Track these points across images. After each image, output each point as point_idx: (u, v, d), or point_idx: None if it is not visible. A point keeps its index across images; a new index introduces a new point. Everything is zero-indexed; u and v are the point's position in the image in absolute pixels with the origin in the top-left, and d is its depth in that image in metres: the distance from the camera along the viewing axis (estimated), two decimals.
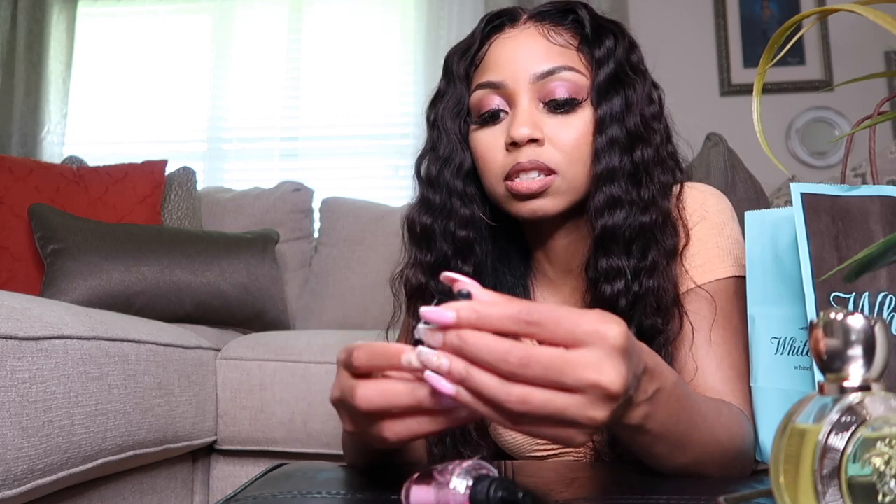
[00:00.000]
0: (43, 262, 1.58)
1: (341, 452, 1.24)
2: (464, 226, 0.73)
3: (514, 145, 0.68)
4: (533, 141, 0.67)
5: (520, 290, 0.77)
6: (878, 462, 0.32)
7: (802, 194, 0.57)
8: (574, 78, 0.69)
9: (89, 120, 2.58)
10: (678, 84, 2.47)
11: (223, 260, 1.67)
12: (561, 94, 0.68)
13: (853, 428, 0.32)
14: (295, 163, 2.50)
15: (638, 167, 0.69)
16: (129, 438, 0.98)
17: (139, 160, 1.94)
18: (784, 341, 0.61)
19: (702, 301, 0.69)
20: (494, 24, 0.74)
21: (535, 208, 0.68)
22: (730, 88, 2.38)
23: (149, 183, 1.87)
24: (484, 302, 0.40)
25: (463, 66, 0.74)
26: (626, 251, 0.68)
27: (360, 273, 1.83)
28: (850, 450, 0.32)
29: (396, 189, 2.37)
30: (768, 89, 2.34)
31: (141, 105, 2.57)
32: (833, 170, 2.28)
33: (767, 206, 1.58)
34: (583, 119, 0.69)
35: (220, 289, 1.64)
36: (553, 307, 0.39)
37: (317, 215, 2.08)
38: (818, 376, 0.57)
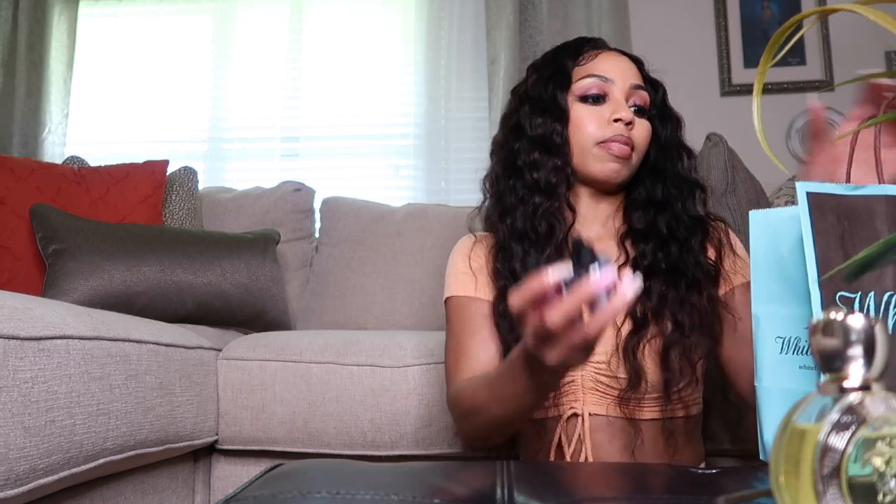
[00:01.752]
0: (44, 262, 1.58)
1: (342, 452, 1.24)
2: (552, 173, 0.97)
3: (617, 121, 0.94)
4: (629, 125, 0.95)
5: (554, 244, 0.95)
6: (878, 462, 0.32)
7: (808, 193, 0.57)
8: (648, 98, 1.00)
9: (90, 120, 2.58)
10: (678, 84, 2.47)
11: (224, 260, 1.67)
12: (642, 102, 0.99)
13: (853, 428, 0.32)
14: (296, 163, 2.50)
15: (682, 174, 1.01)
16: (130, 438, 0.98)
17: (140, 160, 1.94)
18: (789, 341, 0.62)
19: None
20: (593, 44, 1.03)
21: (615, 169, 0.95)
22: (730, 88, 2.38)
23: (150, 183, 1.87)
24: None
25: (569, 61, 1.00)
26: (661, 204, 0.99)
27: (360, 273, 1.83)
28: (850, 450, 0.32)
29: (397, 189, 2.37)
30: (768, 89, 2.34)
31: (142, 105, 2.56)
32: None
33: (768, 205, 1.58)
34: (648, 126, 0.99)
35: (221, 289, 1.64)
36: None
37: (317, 215, 2.08)
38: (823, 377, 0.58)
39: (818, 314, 0.54)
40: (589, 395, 0.89)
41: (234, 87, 2.54)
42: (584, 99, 0.97)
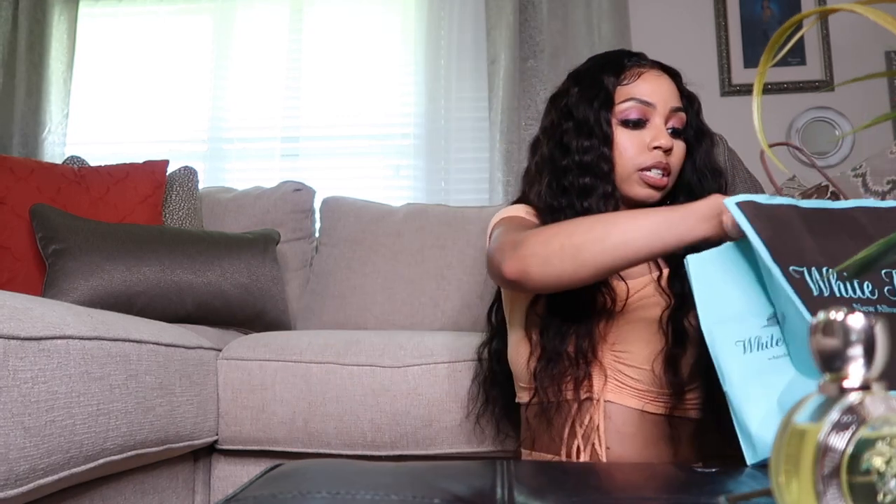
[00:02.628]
0: (44, 262, 1.58)
1: (342, 452, 1.24)
2: (602, 161, 0.99)
3: (656, 148, 0.96)
4: (667, 151, 0.97)
5: None
6: (878, 462, 0.32)
7: (737, 203, 0.69)
8: (685, 119, 1.01)
9: (90, 120, 2.58)
10: None
11: (224, 260, 1.67)
12: (679, 125, 1.00)
13: (853, 428, 0.32)
14: (296, 163, 2.50)
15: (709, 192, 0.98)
16: (130, 438, 0.98)
17: (140, 160, 1.94)
18: (749, 341, 0.68)
19: None
20: (635, 60, 1.03)
21: (652, 194, 0.98)
22: (730, 88, 2.38)
23: (150, 183, 1.87)
24: None
25: (609, 77, 1.00)
26: None
27: (360, 273, 1.83)
28: (850, 450, 0.32)
29: (397, 189, 2.37)
30: (769, 89, 2.34)
31: (142, 105, 2.56)
32: (833, 170, 2.28)
33: None
34: (683, 147, 1.01)
35: (221, 289, 1.64)
36: None
37: (317, 215, 2.08)
38: (795, 357, 0.66)
39: (789, 290, 0.62)
40: (610, 383, 0.92)
41: (234, 87, 2.54)
42: (626, 123, 0.98)
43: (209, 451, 1.33)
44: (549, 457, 0.96)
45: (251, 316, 1.69)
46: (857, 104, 2.29)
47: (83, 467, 0.88)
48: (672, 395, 0.90)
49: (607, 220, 0.83)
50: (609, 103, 0.99)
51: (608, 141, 0.97)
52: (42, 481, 0.80)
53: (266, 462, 1.28)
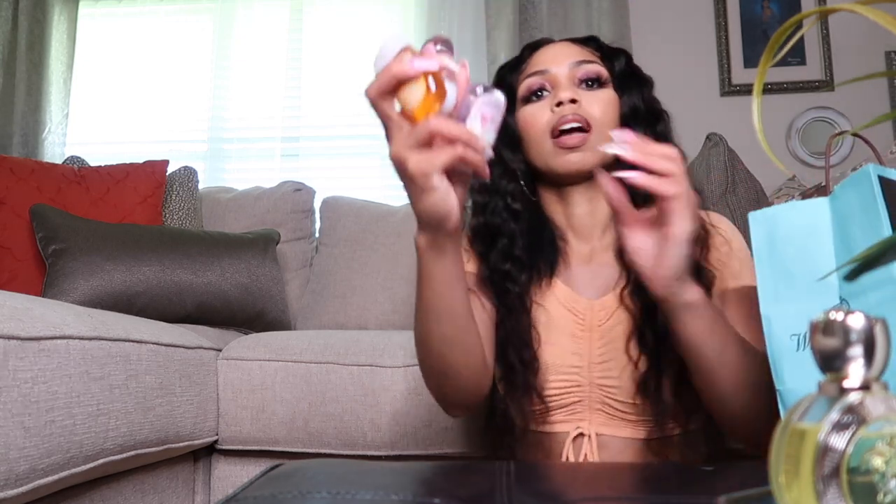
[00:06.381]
0: (44, 262, 1.58)
1: (342, 452, 1.24)
2: (513, 179, 0.92)
3: (559, 105, 0.87)
4: (573, 102, 0.87)
5: (547, 271, 0.91)
6: (878, 462, 0.32)
7: (880, 177, 0.57)
8: (599, 68, 0.91)
9: (90, 120, 2.58)
10: (678, 84, 2.47)
11: (224, 260, 1.67)
12: (591, 74, 0.90)
13: (853, 428, 0.32)
14: (296, 163, 2.50)
15: (659, 137, 0.87)
16: (130, 438, 0.98)
17: (140, 160, 1.95)
18: (804, 336, 0.61)
19: (743, 300, 0.84)
20: (534, 46, 0.96)
21: (577, 160, 0.87)
22: (730, 88, 2.38)
23: (150, 183, 1.87)
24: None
25: (514, 75, 0.94)
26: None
27: (360, 273, 1.83)
28: (850, 450, 0.32)
29: (397, 189, 2.36)
30: (769, 89, 2.34)
31: (142, 105, 2.57)
32: (833, 170, 2.28)
33: (768, 205, 1.58)
34: (608, 94, 0.90)
35: (221, 289, 1.64)
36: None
37: (317, 215, 2.08)
38: None
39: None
40: (596, 416, 0.86)
41: (234, 87, 2.54)
42: (528, 100, 0.91)
43: (209, 451, 1.33)
44: None
45: (251, 316, 1.69)
46: (857, 104, 2.29)
47: (83, 467, 0.88)
48: (660, 420, 0.84)
49: (422, 317, 0.75)
50: (512, 98, 0.92)
51: (515, 141, 0.92)
52: (42, 481, 0.80)
53: (266, 462, 1.28)
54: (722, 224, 0.92)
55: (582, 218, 0.92)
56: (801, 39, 2.35)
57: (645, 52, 2.31)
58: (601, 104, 0.89)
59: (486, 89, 0.60)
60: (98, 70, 2.61)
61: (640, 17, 2.40)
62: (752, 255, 0.75)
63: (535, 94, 0.91)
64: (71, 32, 2.58)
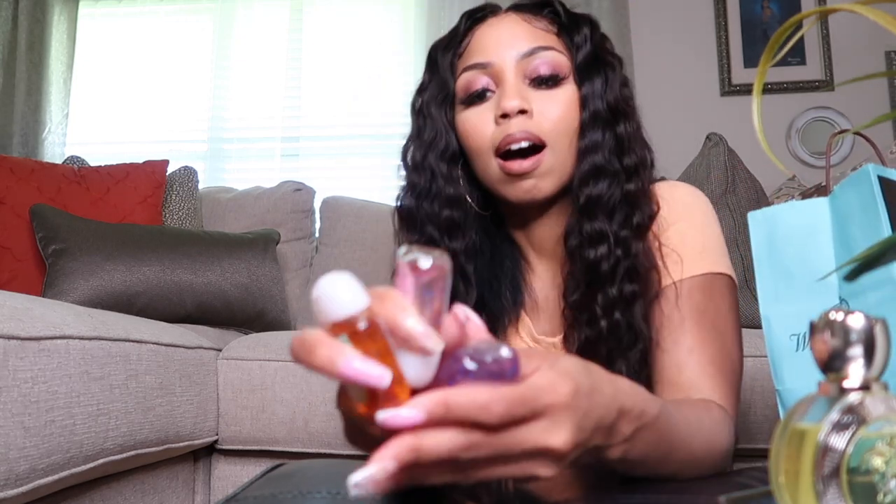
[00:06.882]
0: (44, 262, 1.58)
1: (342, 452, 1.24)
2: (448, 206, 0.75)
3: (504, 117, 0.70)
4: (522, 113, 0.69)
5: (509, 286, 0.78)
6: (878, 462, 0.32)
7: (880, 177, 0.56)
8: (556, 57, 0.72)
9: (90, 120, 2.58)
10: (678, 84, 2.47)
11: (224, 260, 1.67)
12: (545, 70, 0.71)
13: (853, 428, 0.32)
14: (296, 163, 2.50)
15: (621, 140, 0.72)
16: (130, 438, 0.98)
17: (140, 160, 1.95)
18: (804, 336, 0.61)
19: (681, 297, 0.70)
20: (476, 17, 0.77)
21: (529, 188, 0.70)
22: (730, 88, 2.38)
23: (150, 183, 1.87)
24: (454, 395, 0.35)
25: (448, 56, 0.76)
26: (609, 217, 0.70)
27: (360, 273, 1.80)
28: (850, 450, 0.32)
29: (397, 189, 2.36)
30: (769, 89, 2.34)
31: (142, 105, 2.57)
32: (833, 169, 2.28)
33: (768, 205, 1.58)
34: (567, 94, 0.72)
35: (221, 289, 1.64)
36: (507, 393, 0.35)
37: (317, 215, 2.08)
38: None
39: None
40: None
41: (234, 86, 2.54)
42: (467, 102, 0.74)
43: (209, 451, 1.33)
44: None
45: (251, 316, 1.69)
46: (857, 104, 2.29)
47: (83, 467, 0.88)
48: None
49: None
50: (448, 96, 0.75)
51: (455, 156, 0.76)
52: (42, 481, 0.80)
53: (266, 462, 1.28)
54: (676, 204, 0.74)
55: (545, 241, 0.77)
56: (801, 39, 2.35)
57: (645, 52, 2.31)
58: (558, 110, 0.71)
59: (419, 258, 0.36)
60: (98, 70, 2.61)
61: (640, 17, 2.40)
62: (721, 236, 0.72)
63: (479, 95, 0.73)
64: (71, 32, 2.58)
